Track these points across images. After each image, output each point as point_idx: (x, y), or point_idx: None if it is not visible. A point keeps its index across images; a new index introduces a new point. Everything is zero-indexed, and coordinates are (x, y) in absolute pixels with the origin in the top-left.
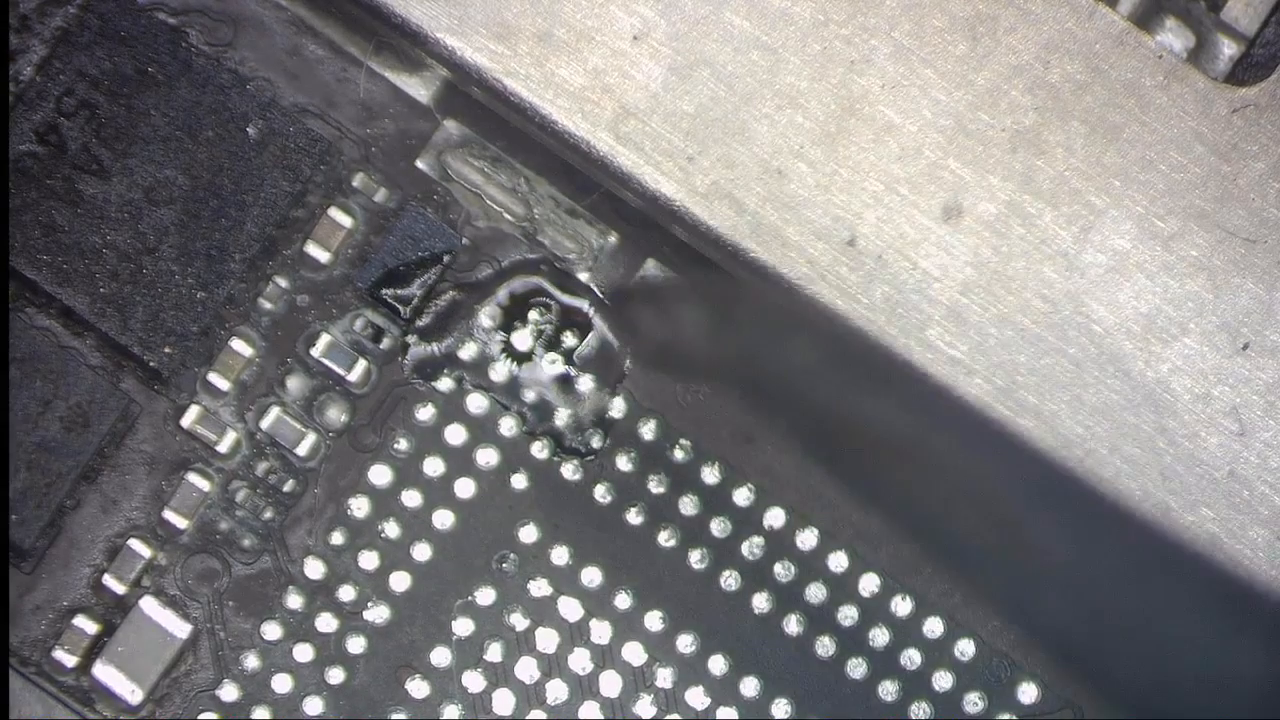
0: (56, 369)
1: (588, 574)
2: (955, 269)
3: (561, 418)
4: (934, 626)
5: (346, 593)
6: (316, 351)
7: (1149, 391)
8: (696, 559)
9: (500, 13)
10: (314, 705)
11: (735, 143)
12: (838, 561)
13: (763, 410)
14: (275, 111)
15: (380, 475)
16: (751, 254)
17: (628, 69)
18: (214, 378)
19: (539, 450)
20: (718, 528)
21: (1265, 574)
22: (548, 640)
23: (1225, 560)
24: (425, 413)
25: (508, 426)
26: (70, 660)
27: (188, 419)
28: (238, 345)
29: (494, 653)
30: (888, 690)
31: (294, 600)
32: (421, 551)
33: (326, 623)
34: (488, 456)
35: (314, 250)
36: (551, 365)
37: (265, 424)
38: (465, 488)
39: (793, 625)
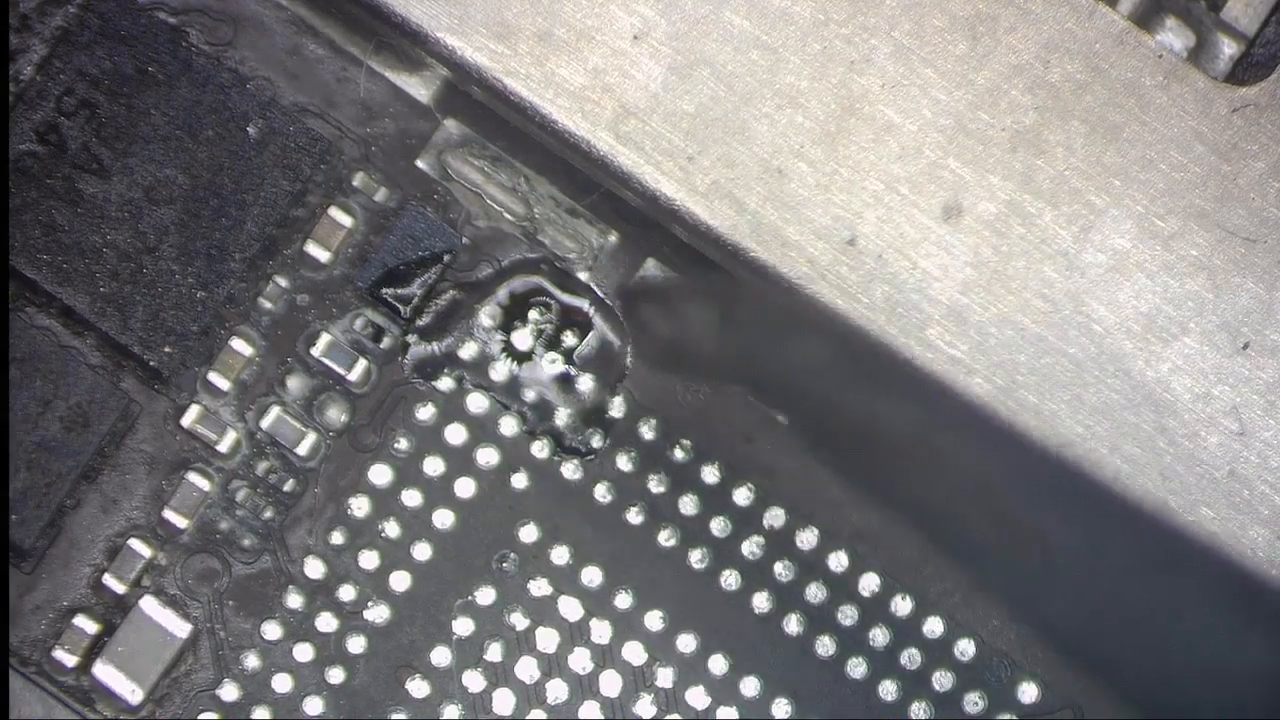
0: (56, 369)
1: (588, 574)
2: (955, 269)
3: (561, 418)
4: (934, 626)
5: (346, 593)
6: (316, 351)
7: (1149, 391)
8: (696, 559)
9: (500, 12)
10: (314, 705)
11: (735, 142)
12: (838, 561)
13: (763, 410)
14: (275, 111)
15: (380, 475)
16: (751, 254)
17: (628, 69)
18: (214, 377)
19: (539, 450)
20: (718, 528)
21: (1266, 573)
22: (548, 640)
23: (1225, 556)
24: (425, 412)
25: (508, 426)
26: (70, 660)
27: (188, 419)
28: (238, 345)
29: (494, 653)
30: (888, 690)
31: (294, 600)
32: (421, 551)
33: (326, 623)
34: (488, 456)
35: (314, 250)
36: (551, 365)
37: (265, 424)
38: (465, 488)
39: (793, 625)
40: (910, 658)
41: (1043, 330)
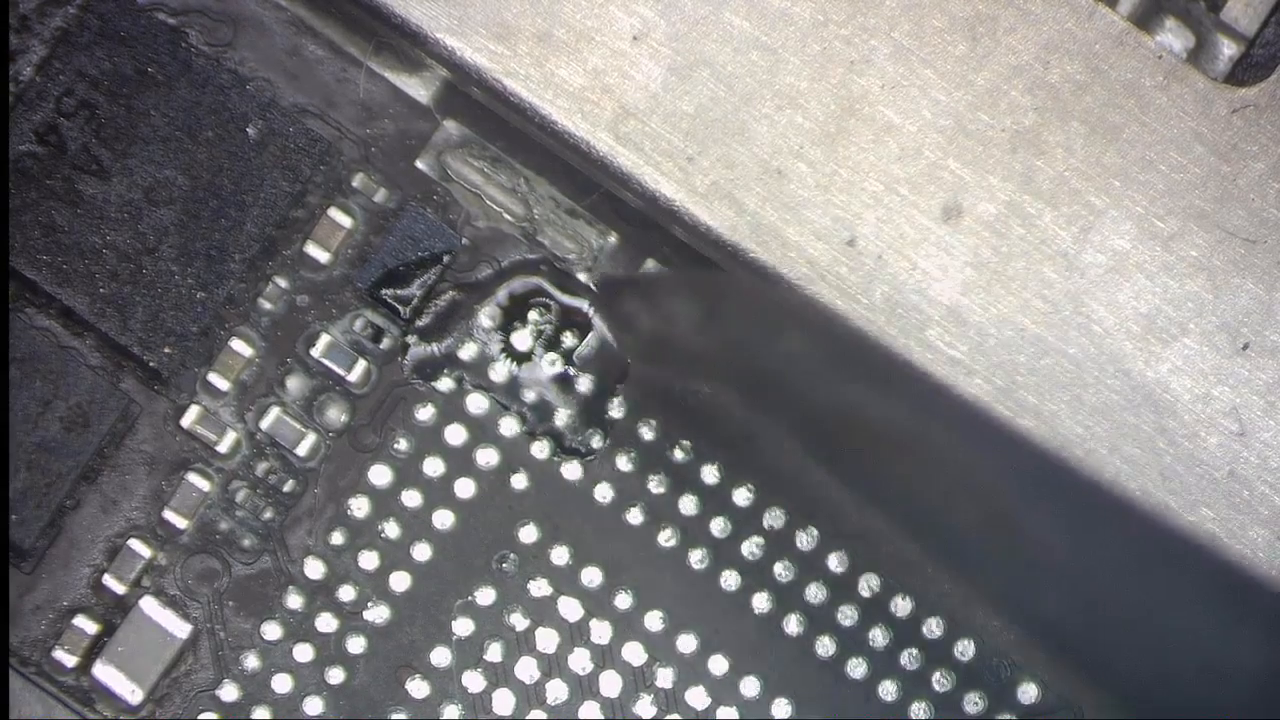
0: (56, 369)
1: (588, 574)
2: (955, 269)
3: (561, 418)
4: (934, 626)
5: (346, 593)
6: (316, 351)
7: (1149, 391)
8: (696, 559)
9: (500, 13)
10: (314, 705)
11: (735, 143)
12: (838, 561)
13: (761, 409)
14: (275, 111)
15: (380, 475)
16: (751, 254)
17: (628, 69)
18: (214, 378)
19: (539, 450)
20: (718, 528)
21: (1265, 573)
22: (548, 640)
23: (1225, 557)
24: (425, 413)
25: (508, 426)
26: (70, 660)
27: (188, 419)
28: (238, 345)
29: (494, 653)
30: (888, 690)
31: (294, 600)
32: (421, 551)
33: (326, 623)
34: (488, 456)
35: (314, 250)
36: (551, 365)
37: (265, 424)
38: (465, 488)
39: (793, 625)
40: (910, 658)
41: (1043, 331)
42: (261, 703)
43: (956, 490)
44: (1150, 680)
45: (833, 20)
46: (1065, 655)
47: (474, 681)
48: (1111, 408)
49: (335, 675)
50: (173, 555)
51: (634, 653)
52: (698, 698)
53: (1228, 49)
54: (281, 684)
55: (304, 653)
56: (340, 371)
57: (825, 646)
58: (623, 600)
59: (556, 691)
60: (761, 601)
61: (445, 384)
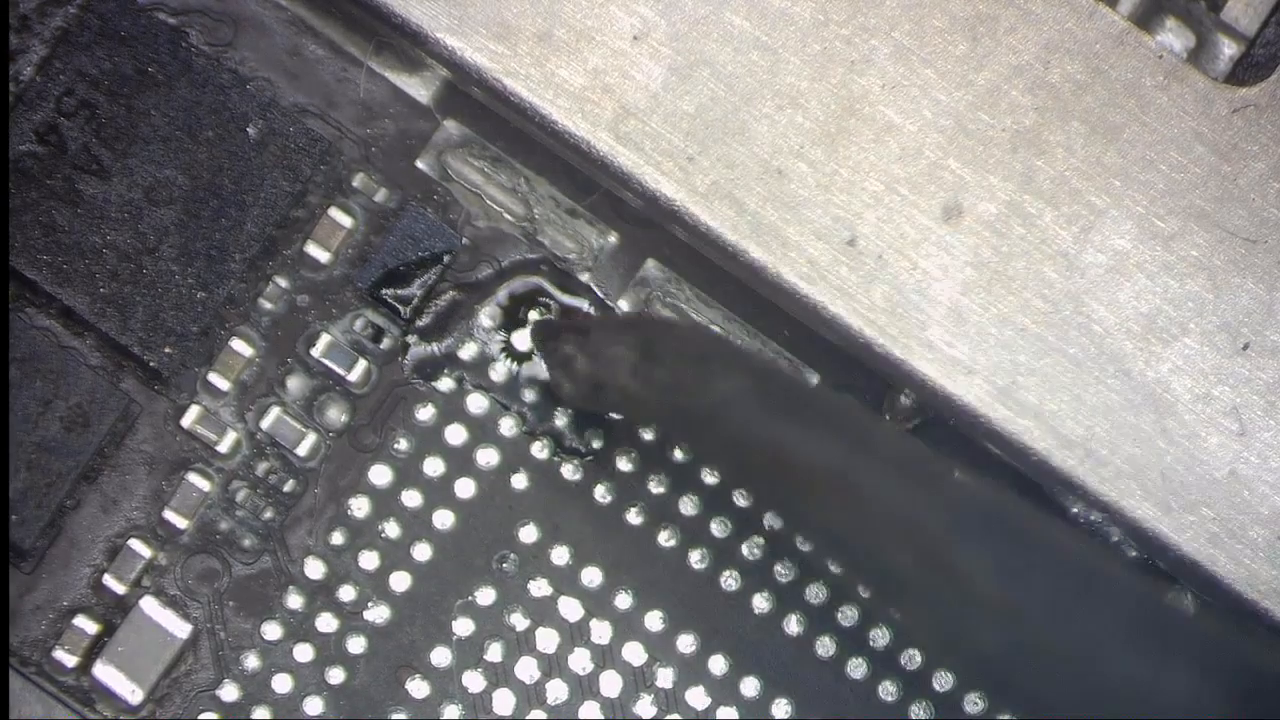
0: (56, 369)
1: (588, 574)
2: (955, 269)
3: (561, 418)
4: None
5: (346, 593)
6: (316, 351)
7: (1149, 391)
8: (696, 559)
9: (500, 13)
10: (314, 705)
11: (735, 143)
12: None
13: (695, 451)
14: (275, 111)
15: (380, 475)
16: (751, 254)
17: (628, 69)
18: (214, 378)
19: (539, 450)
20: (718, 528)
21: (1265, 573)
22: (548, 640)
23: (1157, 596)
24: (425, 413)
25: (508, 426)
26: (70, 660)
27: (188, 419)
28: (238, 345)
29: (494, 653)
30: (888, 690)
31: (294, 600)
32: (421, 551)
33: (326, 623)
34: (488, 456)
35: (314, 250)
36: None
37: (265, 424)
38: (465, 488)
39: (793, 625)
40: (910, 658)
41: (1043, 330)
42: (261, 703)
43: (889, 529)
44: (1080, 707)
45: (833, 20)
46: (1001, 694)
47: (474, 681)
48: (1111, 408)
49: (335, 675)
50: (173, 555)
51: (634, 653)
52: (698, 698)
53: (1228, 49)
54: (281, 684)
55: (304, 653)
56: (340, 371)
57: (825, 646)
58: (623, 600)
59: (556, 691)
60: (761, 601)
61: (445, 384)
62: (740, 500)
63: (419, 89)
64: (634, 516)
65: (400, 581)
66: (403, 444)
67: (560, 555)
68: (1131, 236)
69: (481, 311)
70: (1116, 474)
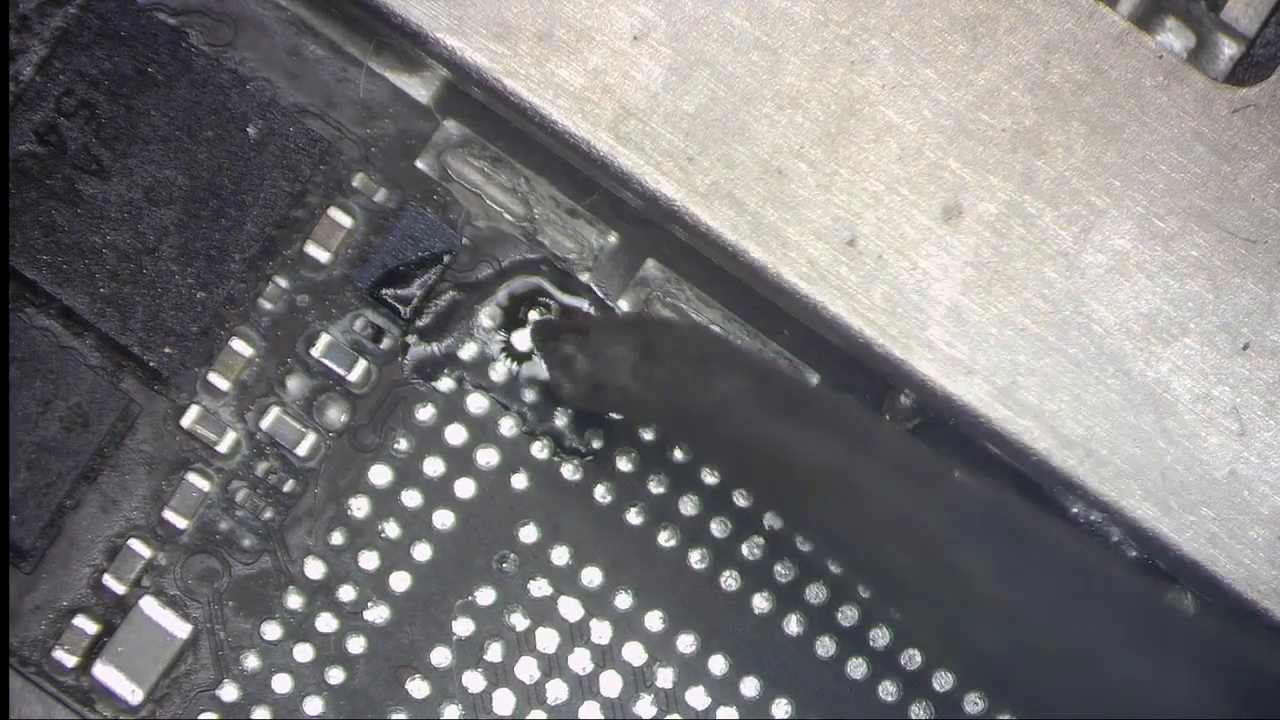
0: (56, 369)
1: (588, 574)
2: (955, 269)
3: (561, 418)
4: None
5: (346, 593)
6: (316, 351)
7: (1149, 391)
8: (696, 559)
9: (500, 13)
10: (314, 705)
11: (735, 143)
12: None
13: (695, 452)
14: (275, 111)
15: (380, 475)
16: (751, 254)
17: (628, 69)
18: (214, 378)
19: (539, 450)
20: (718, 528)
21: (1265, 573)
22: (548, 640)
23: (1157, 596)
24: (425, 413)
25: (508, 426)
26: (70, 660)
27: (188, 419)
28: (238, 345)
29: (494, 653)
30: (887, 690)
31: (294, 600)
32: (421, 551)
33: (326, 623)
34: (488, 456)
35: (314, 250)
36: None
37: (265, 424)
38: (465, 488)
39: (793, 625)
40: (910, 658)
41: (1043, 330)
42: (261, 703)
43: (889, 529)
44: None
45: (833, 20)
46: (1001, 695)
47: (474, 681)
48: (1111, 408)
49: (335, 675)
50: (173, 555)
51: (634, 653)
52: (698, 698)
53: (1228, 49)
54: (281, 684)
55: (304, 653)
56: (340, 371)
57: (825, 646)
58: (623, 600)
59: (556, 691)
60: (761, 601)
61: (445, 384)
62: (740, 500)
63: (419, 89)
64: (634, 516)
65: (400, 581)
66: (403, 444)
67: (560, 555)
68: (1131, 236)
69: (481, 311)
70: (1116, 474)
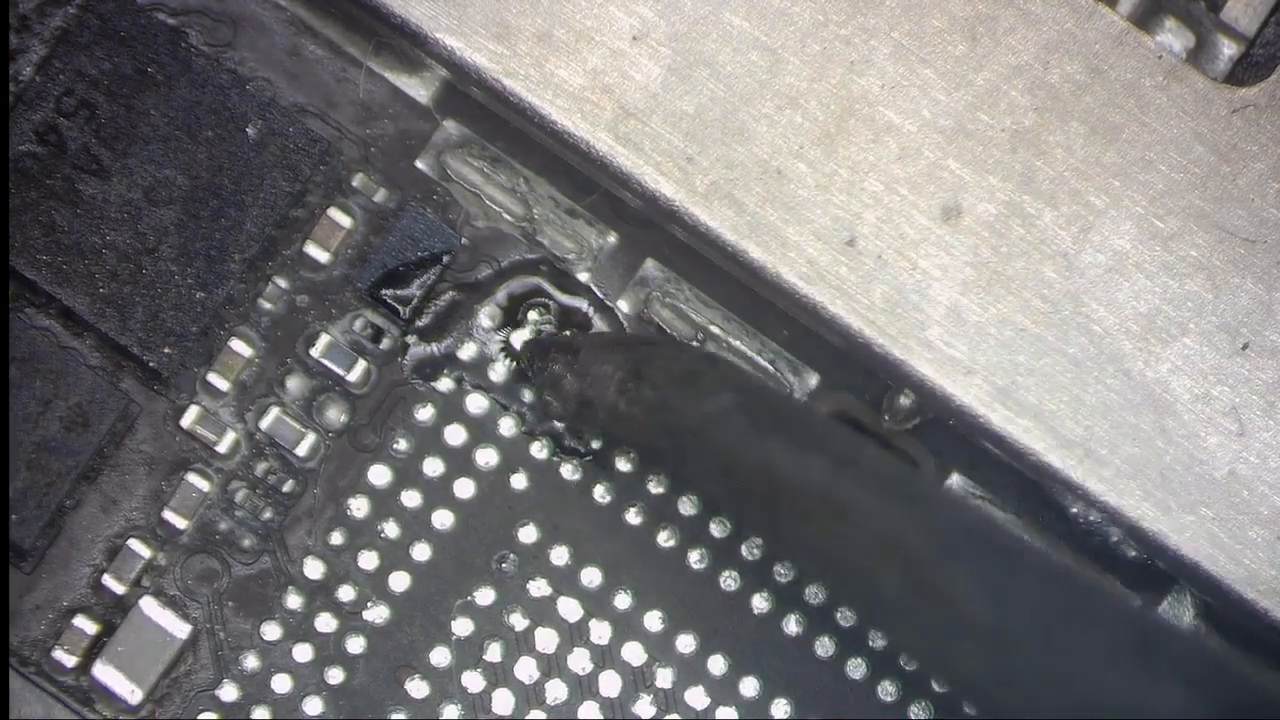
0: (56, 369)
1: (588, 574)
2: (955, 269)
3: None
4: None
5: (346, 593)
6: (316, 351)
7: (1149, 391)
8: (696, 559)
9: (500, 13)
10: (314, 705)
11: (735, 143)
12: None
13: (683, 471)
14: (275, 111)
15: (380, 475)
16: (751, 254)
17: (627, 69)
18: (214, 378)
19: (539, 450)
20: (717, 528)
21: (1265, 573)
22: (548, 640)
23: (1146, 616)
24: (425, 413)
25: (507, 426)
26: (70, 660)
27: (187, 419)
28: (237, 345)
29: (494, 653)
30: (887, 690)
31: (294, 600)
32: (421, 551)
33: (326, 623)
34: (488, 456)
35: (314, 250)
36: None
37: (265, 424)
38: (465, 488)
39: (793, 625)
40: (910, 658)
41: (1042, 330)
42: (261, 703)
43: (874, 548)
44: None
45: (833, 20)
46: (988, 715)
47: (474, 681)
48: (1111, 408)
49: (335, 675)
50: (173, 555)
51: (634, 653)
52: (698, 698)
53: (1228, 49)
54: (281, 684)
55: (304, 653)
56: (340, 371)
57: (825, 646)
58: (622, 600)
59: (556, 691)
60: (761, 601)
61: (445, 384)
62: (725, 520)
63: (419, 89)
64: (634, 516)
65: (400, 581)
66: (402, 444)
67: (560, 555)
68: (1131, 236)
69: (481, 311)
70: (1116, 474)
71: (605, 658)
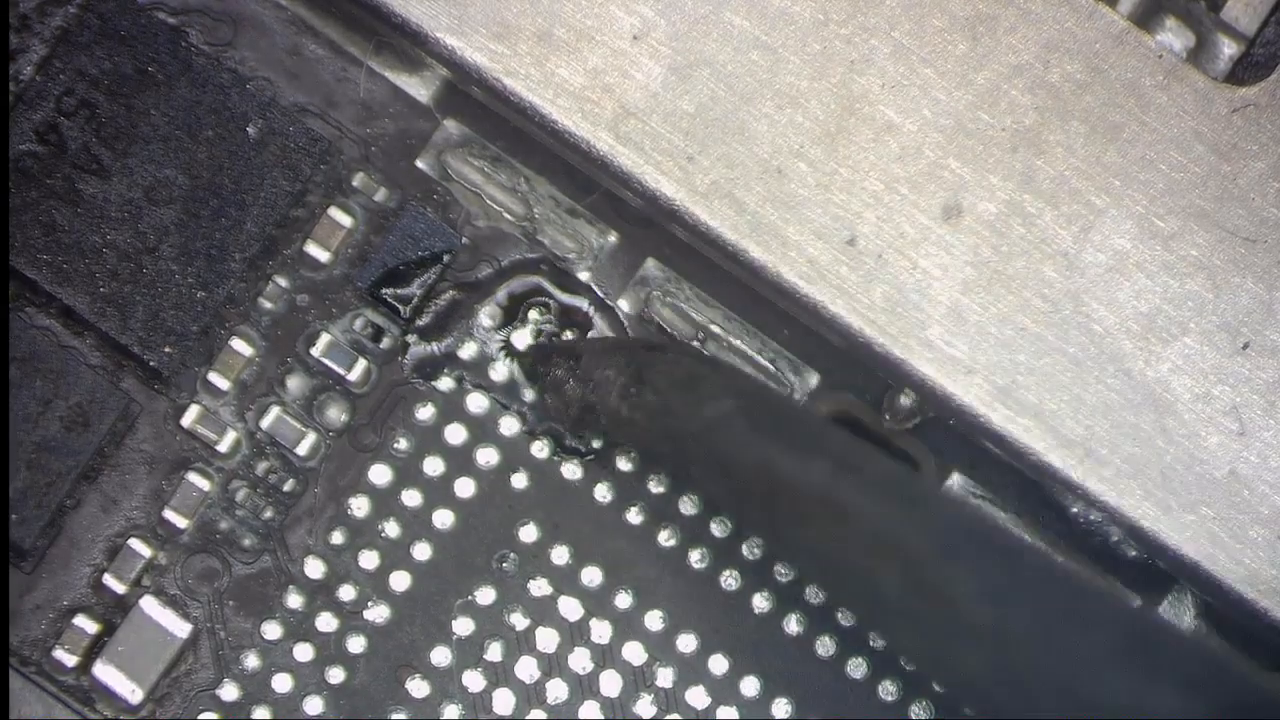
0: (56, 369)
1: (588, 574)
2: (955, 269)
3: None
4: None
5: (346, 592)
6: (316, 351)
7: (1149, 391)
8: (696, 559)
9: (500, 12)
10: (314, 705)
11: (735, 142)
12: None
13: (685, 475)
14: (275, 111)
15: (380, 475)
16: (751, 253)
17: (628, 69)
18: (214, 377)
19: (539, 450)
20: (717, 527)
21: (1265, 573)
22: (548, 640)
23: (1145, 618)
24: (425, 412)
25: (508, 426)
26: (70, 660)
27: (188, 419)
28: (238, 345)
29: (494, 652)
30: (887, 690)
31: (294, 600)
32: (421, 551)
33: (326, 622)
34: (488, 456)
35: (314, 250)
36: None
37: (265, 424)
38: (465, 487)
39: (793, 625)
40: (910, 658)
41: (1043, 330)
42: (261, 702)
43: (874, 550)
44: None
45: (833, 20)
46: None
47: (474, 681)
48: (1111, 407)
49: (335, 675)
50: (173, 555)
51: (634, 652)
52: (698, 698)
53: (1228, 48)
54: (281, 683)
55: (304, 652)
56: (340, 371)
57: (825, 646)
58: (623, 600)
59: (556, 691)
60: (761, 601)
61: (445, 383)
62: (726, 521)
63: (419, 89)
64: (634, 516)
65: (400, 581)
66: (403, 443)
67: (560, 555)
68: (1131, 236)
69: (481, 311)
70: (1116, 474)
71: (606, 657)
